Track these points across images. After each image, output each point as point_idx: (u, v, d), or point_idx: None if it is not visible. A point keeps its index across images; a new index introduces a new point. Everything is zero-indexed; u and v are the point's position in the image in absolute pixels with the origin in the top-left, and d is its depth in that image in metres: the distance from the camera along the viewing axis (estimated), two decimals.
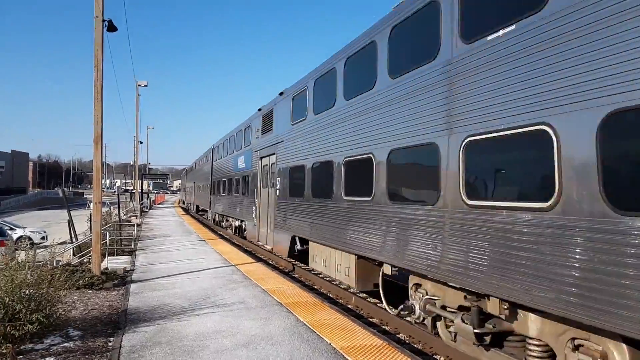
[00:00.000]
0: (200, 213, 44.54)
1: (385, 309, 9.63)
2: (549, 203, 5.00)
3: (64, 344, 7.02)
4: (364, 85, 9.56)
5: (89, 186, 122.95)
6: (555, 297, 4.89)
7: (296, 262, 15.93)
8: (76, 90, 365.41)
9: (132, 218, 34.90)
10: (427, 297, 7.69)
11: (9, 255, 10.30)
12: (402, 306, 8.57)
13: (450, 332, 7.30)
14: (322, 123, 11.79)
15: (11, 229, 28.91)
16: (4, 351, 6.23)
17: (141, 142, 52.57)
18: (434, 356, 7.81)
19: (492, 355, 6.43)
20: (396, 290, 10.12)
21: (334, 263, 11.57)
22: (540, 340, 5.70)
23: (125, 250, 17.78)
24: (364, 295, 11.89)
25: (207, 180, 34.54)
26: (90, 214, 13.82)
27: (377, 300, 11.21)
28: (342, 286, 12.38)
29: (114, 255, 15.83)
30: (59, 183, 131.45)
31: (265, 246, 17.24)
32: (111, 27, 12.60)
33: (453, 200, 6.56)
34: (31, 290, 7.23)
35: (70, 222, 17.43)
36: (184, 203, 66.93)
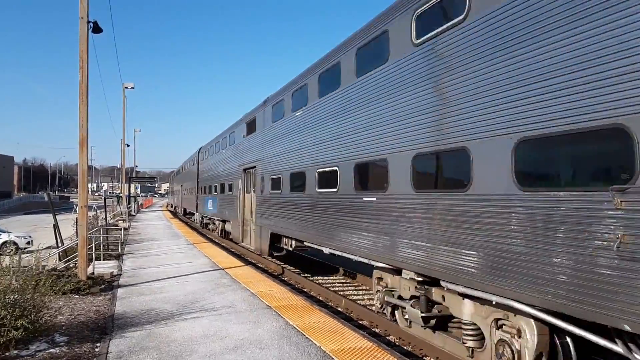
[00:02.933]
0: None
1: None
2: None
3: (50, 350, 6.91)
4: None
5: (75, 190, 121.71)
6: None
7: (285, 265, 15.94)
8: (62, 93, 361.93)
9: (119, 222, 34.55)
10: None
11: None
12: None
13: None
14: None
15: None
16: None
17: (128, 145, 52.08)
18: (424, 358, 7.82)
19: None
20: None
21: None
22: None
23: (112, 255, 17.57)
24: (354, 297, 11.90)
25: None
26: (77, 218, 13.65)
27: (366, 303, 11.23)
28: (332, 289, 12.40)
29: (100, 260, 15.63)
30: (45, 187, 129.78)
31: None
32: (96, 29, 12.48)
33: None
34: (16, 296, 7.13)
35: (56, 227, 17.20)
36: (186, 215, 45.62)
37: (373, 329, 9.40)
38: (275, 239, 15.23)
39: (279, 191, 14.45)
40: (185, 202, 45.09)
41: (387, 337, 8.88)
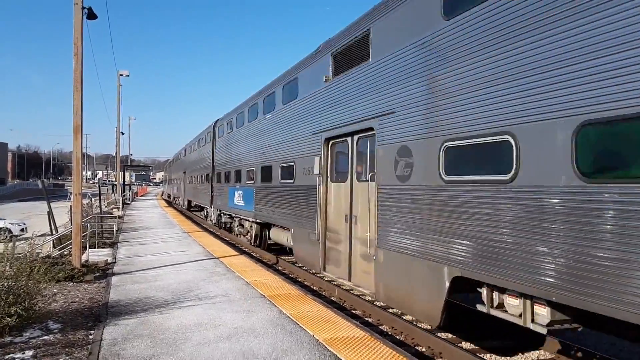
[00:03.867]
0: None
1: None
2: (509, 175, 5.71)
3: (44, 337, 6.93)
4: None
5: (69, 177, 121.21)
6: None
7: (280, 255, 15.97)
8: (57, 80, 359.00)
9: (113, 210, 34.48)
10: None
11: None
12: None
13: None
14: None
15: None
16: None
17: (123, 133, 51.88)
18: (416, 347, 7.90)
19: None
20: None
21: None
22: None
23: (107, 243, 17.58)
24: (347, 287, 11.97)
25: None
26: (71, 206, 13.63)
27: (360, 293, 11.30)
28: (326, 279, 12.45)
29: (95, 248, 15.64)
30: (39, 174, 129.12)
31: None
32: (91, 15, 12.38)
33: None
34: (10, 283, 7.13)
35: (50, 214, 17.16)
36: (190, 208, 38.35)
37: (366, 319, 9.47)
38: (457, 285, 6.82)
39: (506, 176, 5.86)
40: (190, 192, 35.32)
41: (380, 327, 8.96)
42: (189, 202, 37.67)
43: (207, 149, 27.31)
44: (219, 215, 24.00)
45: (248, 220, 18.25)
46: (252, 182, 17.05)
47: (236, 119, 20.55)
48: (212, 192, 25.43)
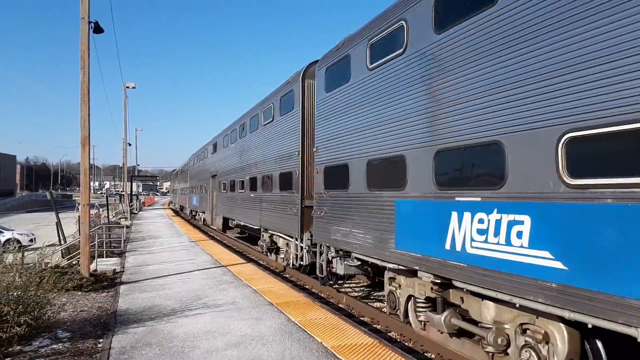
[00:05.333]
0: None
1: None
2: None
3: (53, 346, 6.97)
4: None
5: (77, 188, 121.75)
6: None
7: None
8: (63, 92, 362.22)
9: (121, 220, 34.63)
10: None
11: None
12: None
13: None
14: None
15: None
16: None
17: (130, 144, 52.20)
18: (425, 354, 7.85)
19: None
20: None
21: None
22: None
23: (115, 252, 17.65)
24: (355, 295, 11.95)
25: None
26: (79, 216, 13.72)
27: (367, 300, 11.25)
28: (334, 287, 12.41)
29: (103, 257, 15.69)
30: (47, 185, 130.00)
31: None
32: (97, 29, 12.50)
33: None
34: (19, 293, 7.17)
35: (59, 225, 17.27)
36: (226, 228, 24.74)
37: (374, 326, 9.43)
38: None
39: None
40: (230, 207, 22.81)
41: (389, 334, 8.92)
42: (225, 220, 24.52)
43: (283, 127, 14.76)
44: (331, 261, 11.04)
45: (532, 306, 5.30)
46: None
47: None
48: (301, 209, 12.95)
